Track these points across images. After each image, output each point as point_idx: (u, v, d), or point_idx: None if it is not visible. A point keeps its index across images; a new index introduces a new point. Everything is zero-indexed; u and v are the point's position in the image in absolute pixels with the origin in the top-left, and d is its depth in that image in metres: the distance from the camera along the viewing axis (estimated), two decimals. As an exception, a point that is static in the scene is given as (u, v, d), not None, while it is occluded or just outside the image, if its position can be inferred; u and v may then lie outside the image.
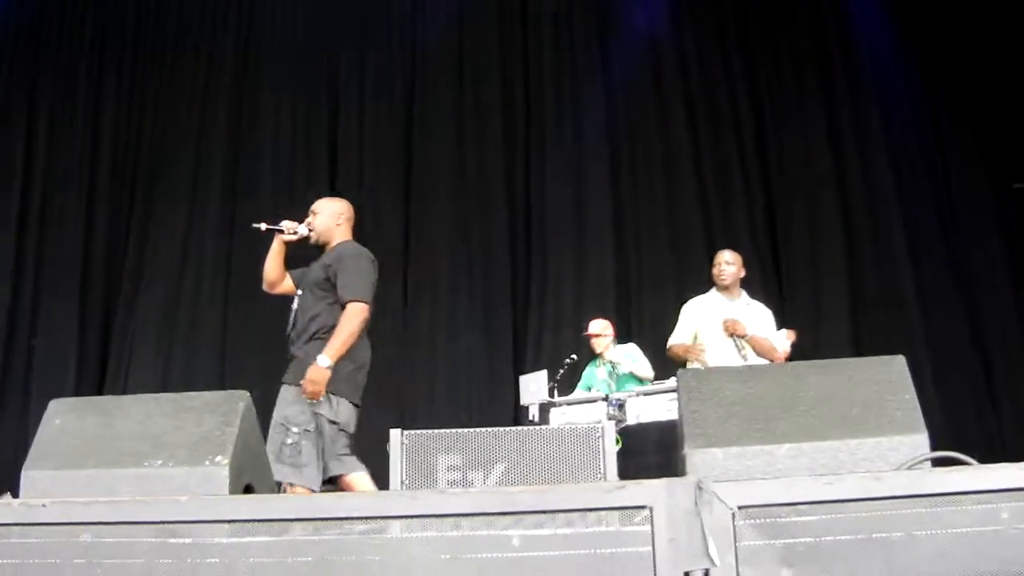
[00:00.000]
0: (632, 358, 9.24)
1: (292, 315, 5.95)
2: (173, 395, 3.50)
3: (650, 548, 2.33)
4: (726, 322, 7.26)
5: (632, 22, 12.18)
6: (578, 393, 9.13)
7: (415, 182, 12.26)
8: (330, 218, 6.10)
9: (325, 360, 5.47)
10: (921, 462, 2.75)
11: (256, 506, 2.12)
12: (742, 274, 7.54)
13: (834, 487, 2.46)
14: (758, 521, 2.41)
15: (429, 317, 11.82)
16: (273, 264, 6.04)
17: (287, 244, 6.03)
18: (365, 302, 5.70)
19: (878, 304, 11.10)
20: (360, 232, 11.88)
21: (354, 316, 5.63)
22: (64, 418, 3.57)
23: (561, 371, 9.31)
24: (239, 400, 3.35)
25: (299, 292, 5.99)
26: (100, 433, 3.44)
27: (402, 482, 4.04)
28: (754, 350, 7.18)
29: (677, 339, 7.64)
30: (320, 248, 6.10)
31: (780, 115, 11.74)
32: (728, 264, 7.43)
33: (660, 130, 11.96)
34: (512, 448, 4.11)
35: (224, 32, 13.05)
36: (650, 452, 7.76)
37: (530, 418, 8.93)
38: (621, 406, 8.45)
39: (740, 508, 2.37)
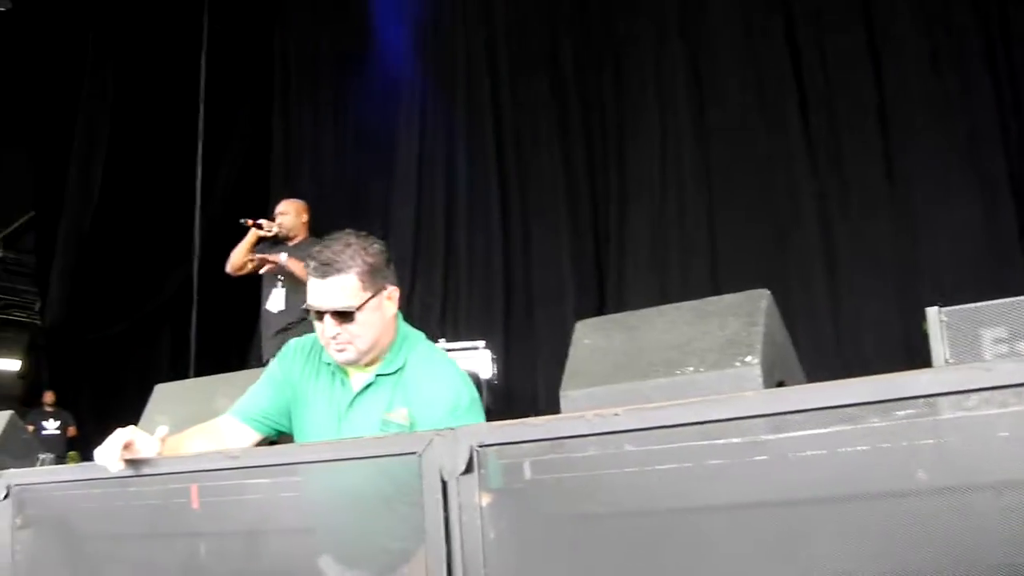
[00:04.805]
0: None
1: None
2: (693, 303, 3.55)
3: None
4: None
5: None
6: None
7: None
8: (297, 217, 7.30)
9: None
10: None
11: (799, 397, 2.07)
12: None
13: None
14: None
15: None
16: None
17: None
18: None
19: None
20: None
21: None
22: (592, 338, 3.72)
23: None
24: (760, 299, 3.34)
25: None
26: (628, 348, 3.55)
27: (946, 360, 3.83)
28: None
29: None
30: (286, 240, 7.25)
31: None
32: None
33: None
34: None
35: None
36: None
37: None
38: None
39: None
